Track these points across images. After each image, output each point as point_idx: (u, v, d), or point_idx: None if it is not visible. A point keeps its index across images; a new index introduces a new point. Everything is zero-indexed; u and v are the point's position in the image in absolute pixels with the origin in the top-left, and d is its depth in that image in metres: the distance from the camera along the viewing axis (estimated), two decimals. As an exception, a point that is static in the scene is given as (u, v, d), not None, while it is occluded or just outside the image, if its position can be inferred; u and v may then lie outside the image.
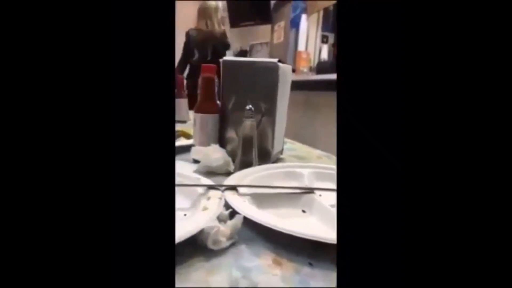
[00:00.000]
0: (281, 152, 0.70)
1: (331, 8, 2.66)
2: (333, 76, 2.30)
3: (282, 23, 3.03)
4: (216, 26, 2.14)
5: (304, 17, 2.71)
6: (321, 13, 2.66)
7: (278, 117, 0.61)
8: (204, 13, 2.11)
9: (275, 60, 0.58)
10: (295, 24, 2.76)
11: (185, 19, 2.19)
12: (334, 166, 0.58)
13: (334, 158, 0.73)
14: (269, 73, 0.58)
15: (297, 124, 2.55)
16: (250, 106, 0.55)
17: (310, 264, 0.29)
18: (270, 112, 0.59)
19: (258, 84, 0.59)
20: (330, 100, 2.45)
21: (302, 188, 0.44)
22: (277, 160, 0.67)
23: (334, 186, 0.49)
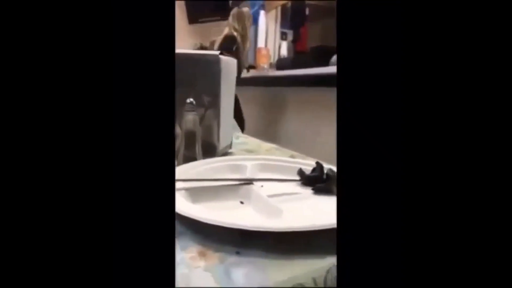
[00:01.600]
0: (230, 146, 0.69)
1: (289, 5, 2.70)
2: (293, 72, 2.34)
3: (241, 20, 3.02)
4: (248, 31, 2.31)
5: (262, 13, 2.72)
6: (279, 10, 2.68)
7: (223, 110, 0.60)
8: (239, 18, 2.27)
9: (217, 52, 0.57)
10: (254, 20, 2.76)
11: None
12: (280, 158, 0.58)
13: (284, 150, 0.74)
14: (211, 66, 0.57)
15: (258, 120, 2.56)
16: (191, 99, 0.54)
17: (237, 253, 0.29)
18: (214, 106, 0.59)
19: (200, 77, 0.58)
20: (290, 96, 2.49)
21: (240, 179, 0.44)
22: (225, 154, 0.66)
23: (277, 176, 0.49)
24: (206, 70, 0.57)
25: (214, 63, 0.57)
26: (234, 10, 2.30)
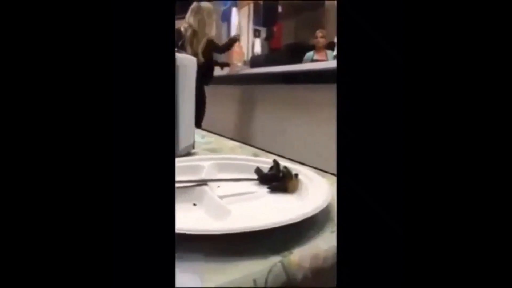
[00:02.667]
0: (192, 146, 0.68)
1: (261, 2, 2.69)
2: (267, 69, 2.35)
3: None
4: (205, 25, 2.17)
5: (234, 10, 2.70)
6: (251, 7, 2.67)
7: (182, 110, 0.59)
8: (197, 12, 2.15)
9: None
10: (226, 17, 2.74)
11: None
12: (241, 156, 0.58)
13: (247, 148, 0.74)
14: (167, 65, 0.56)
15: (231, 117, 2.55)
16: (146, 99, 0.52)
17: (179, 258, 0.28)
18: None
19: (156, 77, 0.56)
20: (264, 93, 2.50)
21: (194, 181, 0.43)
22: (187, 154, 0.65)
23: (235, 176, 0.49)
24: (162, 69, 0.56)
25: (169, 61, 0.55)
26: (193, 5, 2.21)
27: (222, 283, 0.25)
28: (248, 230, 0.28)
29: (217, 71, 2.46)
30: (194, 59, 0.64)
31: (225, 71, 2.60)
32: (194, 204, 0.40)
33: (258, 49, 2.82)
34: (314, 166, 0.50)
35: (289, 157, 0.57)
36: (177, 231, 0.29)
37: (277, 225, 0.29)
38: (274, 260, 0.28)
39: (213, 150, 0.71)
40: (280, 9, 2.80)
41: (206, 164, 0.51)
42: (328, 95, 1.85)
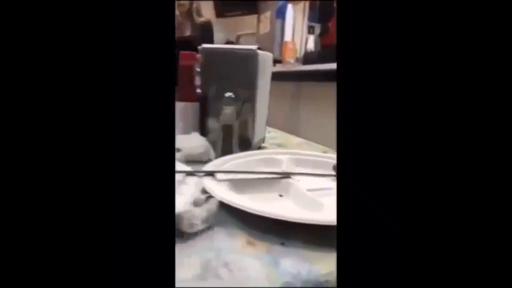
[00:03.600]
0: (263, 140, 0.71)
1: (317, -2, 2.65)
2: (320, 67, 2.30)
3: (268, 14, 3.00)
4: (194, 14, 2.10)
5: (290, 7, 2.68)
6: (307, 3, 2.64)
7: (258, 105, 0.61)
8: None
9: (255, 47, 0.58)
10: (281, 14, 2.73)
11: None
12: (312, 152, 0.59)
13: (313, 144, 0.74)
14: (249, 61, 0.58)
15: (284, 114, 2.55)
16: (230, 93, 0.55)
17: (282, 244, 0.30)
18: (251, 100, 0.60)
19: (238, 72, 0.59)
20: (317, 91, 2.46)
21: (279, 173, 0.45)
22: (259, 148, 0.67)
23: (312, 171, 0.50)
24: (245, 64, 0.58)
25: (252, 57, 0.58)
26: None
27: (326, 272, 0.27)
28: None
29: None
30: (270, 55, 0.66)
31: (277, 67, 2.60)
32: (280, 195, 0.42)
33: (311, 45, 2.77)
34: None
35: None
36: (285, 218, 0.31)
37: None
38: (375, 255, 0.29)
39: (280, 145, 0.73)
40: (335, 5, 2.71)
41: (283, 158, 0.53)
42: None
